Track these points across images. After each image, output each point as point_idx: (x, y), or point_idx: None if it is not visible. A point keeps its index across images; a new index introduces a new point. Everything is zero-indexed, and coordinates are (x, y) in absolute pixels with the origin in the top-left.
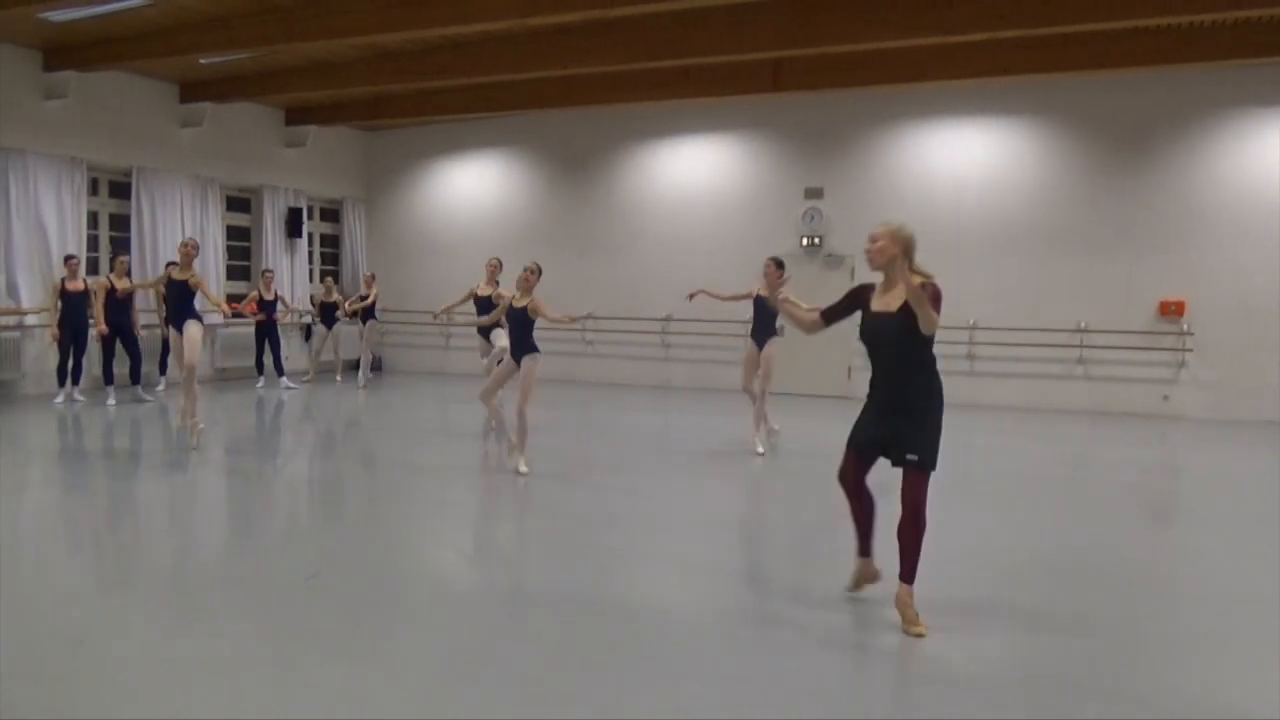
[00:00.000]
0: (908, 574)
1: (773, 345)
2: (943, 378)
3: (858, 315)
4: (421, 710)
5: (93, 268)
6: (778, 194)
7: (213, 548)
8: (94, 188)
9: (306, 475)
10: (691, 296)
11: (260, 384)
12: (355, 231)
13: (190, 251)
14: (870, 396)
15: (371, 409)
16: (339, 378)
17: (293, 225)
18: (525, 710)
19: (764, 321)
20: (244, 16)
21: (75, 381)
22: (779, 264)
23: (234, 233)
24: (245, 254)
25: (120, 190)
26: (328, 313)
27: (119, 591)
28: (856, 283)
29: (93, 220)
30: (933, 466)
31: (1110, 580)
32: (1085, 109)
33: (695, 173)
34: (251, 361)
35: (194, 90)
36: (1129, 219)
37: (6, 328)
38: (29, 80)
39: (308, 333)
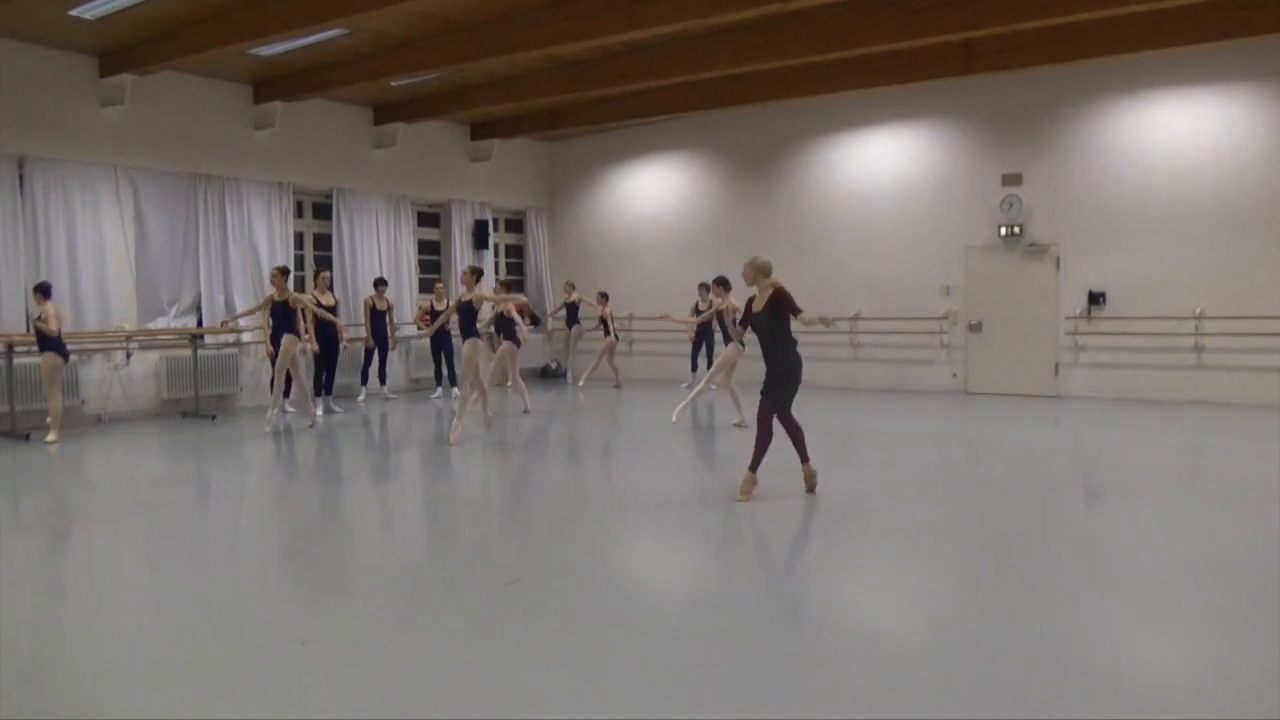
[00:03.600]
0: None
1: (734, 347)
2: (1164, 372)
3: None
4: (624, 711)
5: (299, 285)
6: (972, 182)
7: (418, 553)
8: (299, 210)
9: (500, 484)
10: (666, 319)
11: (436, 394)
12: (538, 240)
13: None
14: (767, 365)
15: (569, 417)
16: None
17: (480, 237)
18: (731, 713)
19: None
20: (431, 37)
21: (286, 394)
22: (720, 282)
23: (425, 247)
24: (436, 267)
25: (322, 211)
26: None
27: (336, 595)
28: (1059, 273)
29: (298, 240)
30: (770, 397)
31: None
32: None
33: (881, 165)
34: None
35: (386, 112)
36: None
37: (226, 345)
38: (241, 113)
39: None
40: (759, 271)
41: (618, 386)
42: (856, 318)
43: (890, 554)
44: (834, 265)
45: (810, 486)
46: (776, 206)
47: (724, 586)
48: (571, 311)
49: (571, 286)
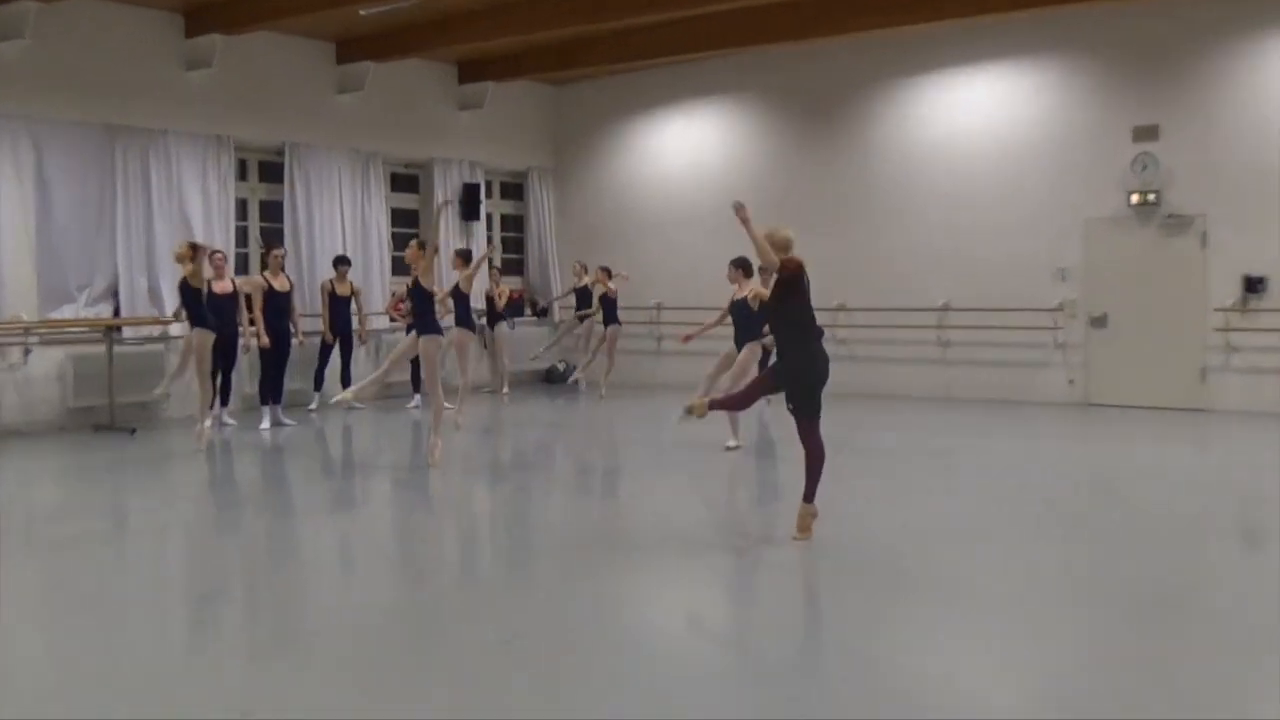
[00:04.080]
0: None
1: (750, 349)
2: None
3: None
4: None
5: (242, 265)
6: (1095, 137)
7: (388, 600)
8: (241, 171)
9: (490, 512)
10: (687, 339)
11: (414, 403)
12: (543, 210)
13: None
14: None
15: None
16: (505, 390)
17: (469, 205)
18: None
19: (745, 327)
20: None
21: (225, 402)
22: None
23: (400, 217)
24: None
25: (271, 172)
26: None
27: (285, 655)
28: (1205, 252)
29: (240, 209)
30: (801, 412)
31: None
32: None
33: (977, 116)
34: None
35: (352, 49)
36: None
37: (150, 340)
38: (169, 49)
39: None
40: (781, 248)
41: (601, 396)
42: (945, 309)
43: (990, 614)
44: (916, 244)
45: (801, 528)
46: (842, 169)
47: (771, 654)
48: (582, 298)
49: (583, 268)
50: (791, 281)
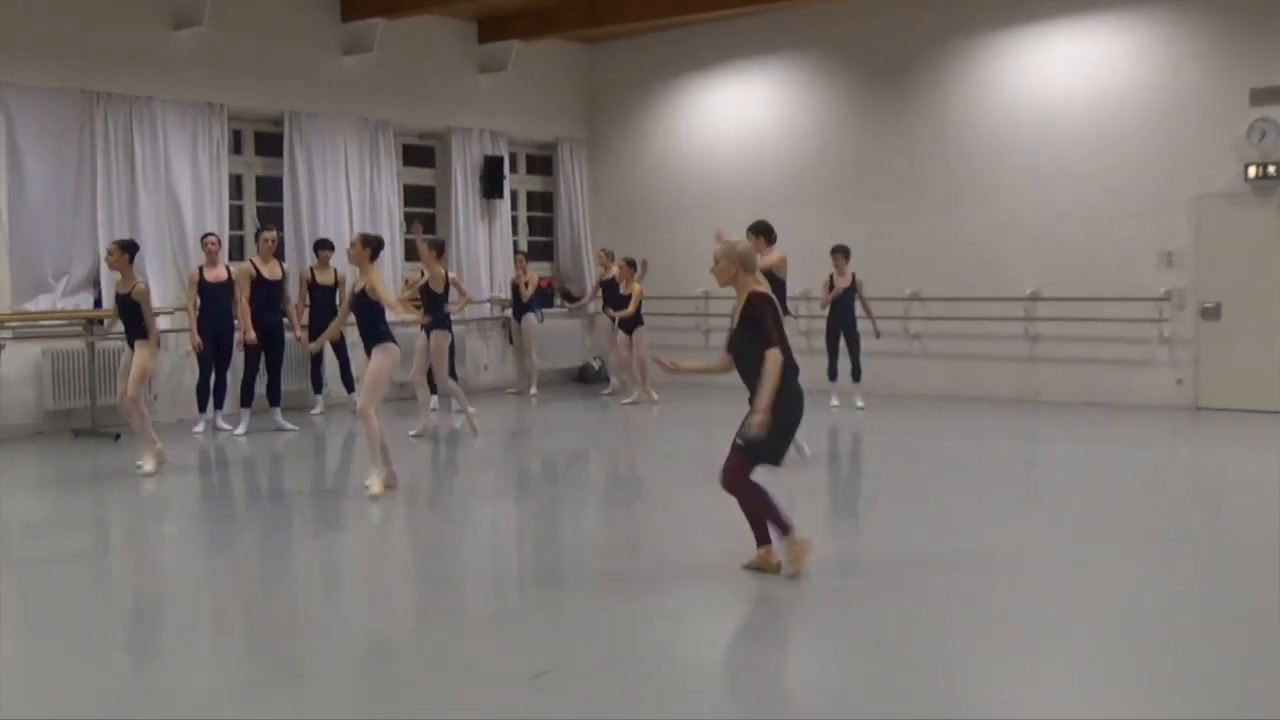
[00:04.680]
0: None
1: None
2: None
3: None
4: None
5: (237, 250)
6: (1207, 100)
7: (406, 632)
8: (236, 143)
9: (517, 531)
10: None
11: (432, 404)
12: (574, 185)
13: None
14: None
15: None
16: (534, 391)
17: (490, 181)
18: None
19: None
20: None
21: (219, 404)
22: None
23: (414, 195)
24: (429, 223)
25: (269, 144)
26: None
27: (283, 689)
28: None
29: (235, 186)
30: (753, 455)
31: None
32: None
33: (1072, 76)
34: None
35: (359, 3)
36: None
37: None
38: (153, 4)
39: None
40: (741, 264)
41: (654, 400)
42: (1033, 298)
43: (1091, 658)
44: (1000, 224)
45: (762, 563)
46: (914, 139)
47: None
48: (610, 291)
49: (609, 257)
50: (766, 314)
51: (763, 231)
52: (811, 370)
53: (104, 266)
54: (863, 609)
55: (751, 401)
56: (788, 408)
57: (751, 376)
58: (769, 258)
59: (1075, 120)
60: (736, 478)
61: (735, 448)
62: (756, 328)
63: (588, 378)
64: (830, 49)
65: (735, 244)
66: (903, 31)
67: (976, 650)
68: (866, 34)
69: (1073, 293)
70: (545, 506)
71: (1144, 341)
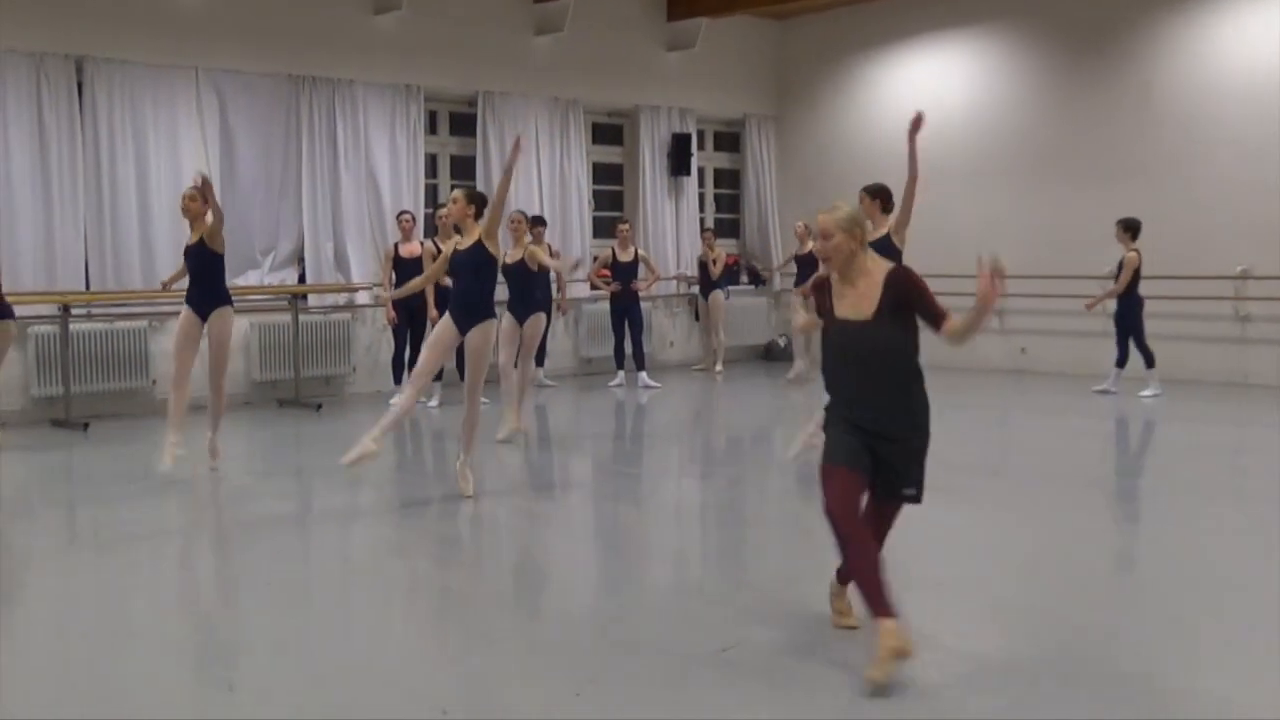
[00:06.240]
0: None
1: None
2: None
3: None
4: None
5: (431, 227)
6: None
7: (591, 602)
8: (431, 124)
9: (693, 509)
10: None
11: (617, 380)
12: (761, 162)
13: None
14: (842, 417)
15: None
16: (719, 368)
17: (678, 158)
18: None
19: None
20: None
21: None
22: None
23: (602, 173)
24: (617, 200)
25: (462, 124)
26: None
27: (478, 652)
28: None
29: (430, 165)
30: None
31: None
32: None
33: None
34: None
35: None
36: None
37: (336, 309)
38: None
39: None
40: (860, 238)
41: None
42: (1244, 276)
43: None
44: (1205, 199)
45: (889, 654)
46: (1122, 111)
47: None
48: (805, 267)
49: (807, 230)
50: (924, 286)
51: (879, 194)
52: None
53: (307, 244)
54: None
55: (884, 410)
56: (920, 419)
57: (888, 381)
58: (886, 225)
59: None
60: (840, 500)
61: (903, 499)
62: (922, 305)
63: (773, 355)
64: (1025, 20)
65: (843, 208)
66: (1101, 0)
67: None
68: (1063, 3)
69: None
70: (734, 481)
71: None
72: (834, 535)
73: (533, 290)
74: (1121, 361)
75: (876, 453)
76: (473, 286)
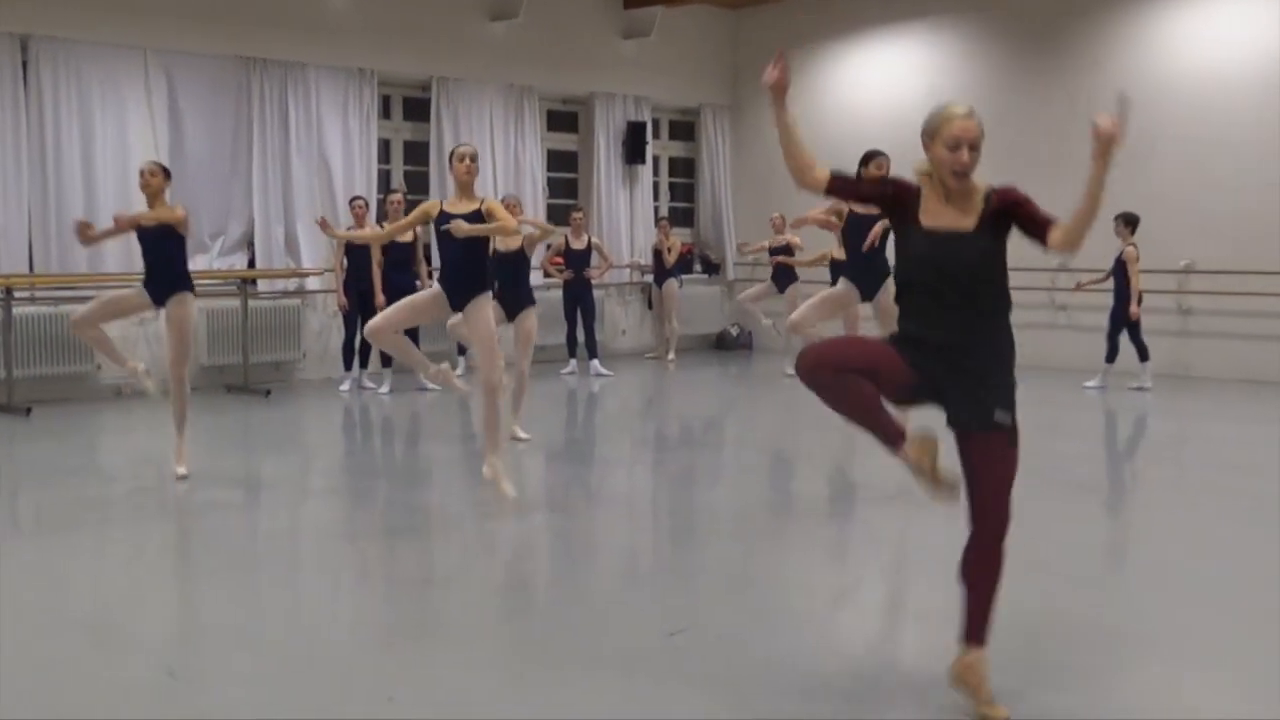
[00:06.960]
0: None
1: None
2: None
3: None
4: None
5: (383, 214)
6: None
7: (537, 591)
8: (384, 108)
9: (650, 497)
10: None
11: (569, 368)
12: (716, 153)
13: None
14: (918, 348)
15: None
16: (671, 356)
17: (632, 147)
18: None
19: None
20: None
21: (364, 363)
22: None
23: (556, 160)
24: (571, 188)
25: (416, 109)
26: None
27: (424, 639)
28: None
29: (383, 150)
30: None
31: None
32: None
33: (1237, 35)
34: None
35: None
36: None
37: (286, 294)
38: None
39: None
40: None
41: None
42: (1187, 271)
43: None
44: (1152, 193)
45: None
46: (1072, 105)
47: None
48: (782, 266)
49: (783, 221)
50: (1024, 195)
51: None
52: None
53: (258, 228)
54: None
55: (951, 362)
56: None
57: (978, 300)
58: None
59: (1238, 85)
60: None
61: (999, 429)
62: (1028, 210)
63: (726, 344)
64: (978, 13)
65: (971, 110)
66: None
67: None
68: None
69: (1223, 266)
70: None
71: None
72: (811, 384)
73: (525, 282)
74: (1111, 357)
75: (945, 390)
76: (467, 258)
